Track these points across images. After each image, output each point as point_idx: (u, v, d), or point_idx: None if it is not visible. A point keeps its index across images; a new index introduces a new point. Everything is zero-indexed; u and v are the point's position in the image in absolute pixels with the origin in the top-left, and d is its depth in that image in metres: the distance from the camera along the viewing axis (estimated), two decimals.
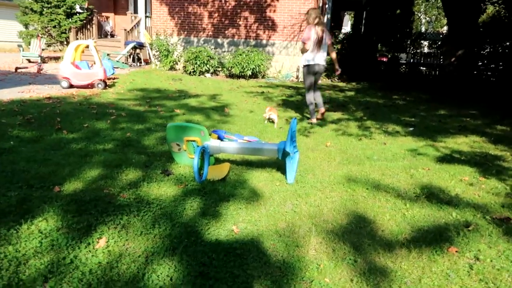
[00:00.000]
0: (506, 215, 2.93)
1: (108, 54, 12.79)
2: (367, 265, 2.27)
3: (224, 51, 14.21)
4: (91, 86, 9.17)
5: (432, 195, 3.33)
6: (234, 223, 2.73)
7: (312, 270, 2.21)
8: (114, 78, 11.14)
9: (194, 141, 3.68)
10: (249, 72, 13.07)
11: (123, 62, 14.19)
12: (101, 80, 9.12)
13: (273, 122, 6.25)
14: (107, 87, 9.36)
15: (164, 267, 2.16)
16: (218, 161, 4.06)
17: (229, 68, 13.45)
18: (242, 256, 2.32)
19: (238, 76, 13.50)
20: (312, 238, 2.57)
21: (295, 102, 8.77)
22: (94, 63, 9.57)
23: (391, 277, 2.16)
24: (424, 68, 17.78)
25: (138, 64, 14.87)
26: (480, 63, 14.25)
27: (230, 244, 2.43)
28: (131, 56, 14.81)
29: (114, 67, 11.41)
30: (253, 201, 3.11)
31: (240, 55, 13.21)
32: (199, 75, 13.62)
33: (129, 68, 13.88)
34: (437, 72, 16.48)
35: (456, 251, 2.42)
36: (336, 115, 7.50)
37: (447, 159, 4.50)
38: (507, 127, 6.50)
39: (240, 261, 2.26)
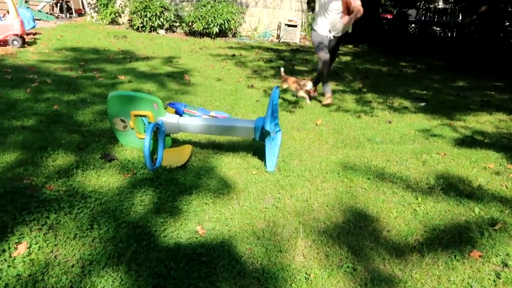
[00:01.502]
0: None
1: (26, 1, 12.32)
2: (369, 274, 2.30)
3: (183, 1, 13.94)
4: (3, 43, 8.85)
5: (450, 187, 3.40)
6: (198, 223, 2.70)
7: (299, 282, 2.22)
8: (35, 33, 10.78)
9: (144, 116, 3.60)
10: (216, 29, 12.92)
11: (47, 13, 13.72)
12: (17, 35, 8.81)
13: (304, 97, 6.12)
14: (25, 45, 9.05)
15: (107, 279, 2.11)
16: (176, 143, 3.99)
17: (190, 23, 13.24)
18: (209, 264, 2.30)
19: (201, 34, 13.32)
20: (299, 241, 2.57)
21: (275, 69, 8.74)
22: (8, 13, 9.21)
23: None
24: (438, 28, 18.09)
25: (68, 15, 14.42)
26: (507, 23, 14.61)
27: (194, 249, 2.40)
28: (59, 4, 14.33)
29: (35, 19, 11.04)
30: (222, 194, 3.09)
31: (204, 6, 13.01)
32: (150, 32, 13.36)
33: (55, 20, 13.44)
34: (455, 33, 16.80)
35: (480, 256, 2.48)
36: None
37: (468, 142, 4.60)
38: None
39: (207, 270, 2.24)
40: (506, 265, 2.42)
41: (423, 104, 6.54)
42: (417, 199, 3.16)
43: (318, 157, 3.93)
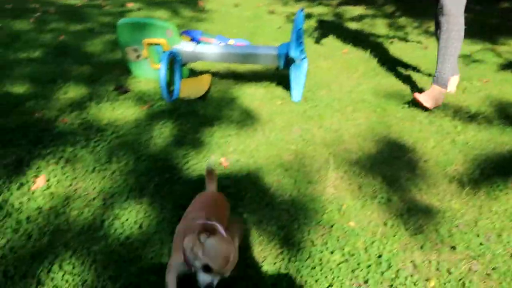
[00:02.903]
0: None
1: None
2: (405, 204, 2.33)
3: None
4: None
5: (492, 115, 3.37)
6: (222, 155, 2.75)
7: (331, 213, 2.27)
8: None
9: (158, 44, 3.58)
10: None
11: None
12: None
13: None
14: None
15: (130, 212, 2.19)
16: (193, 73, 3.99)
17: None
18: (236, 196, 2.35)
19: None
20: (330, 172, 2.61)
21: None
22: None
23: (438, 219, 2.23)
24: None
25: None
26: None
27: (219, 182, 2.45)
28: None
29: None
30: (246, 125, 3.11)
31: None
32: None
33: None
34: None
35: None
36: (357, 9, 7.34)
37: None
38: None
39: (234, 202, 2.30)
40: None
41: None
42: (456, 128, 3.15)
43: (348, 86, 3.90)
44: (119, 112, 3.21)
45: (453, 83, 3.83)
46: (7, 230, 2.04)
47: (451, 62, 3.40)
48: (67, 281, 1.79)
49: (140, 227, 2.11)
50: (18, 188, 2.33)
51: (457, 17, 3.35)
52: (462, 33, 3.39)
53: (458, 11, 3.35)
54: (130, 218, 2.15)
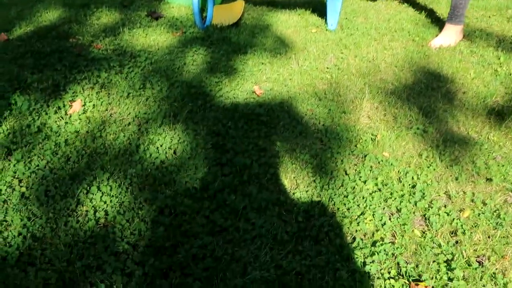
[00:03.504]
0: None
1: None
2: (441, 136, 2.29)
3: None
4: None
5: None
6: (255, 83, 2.72)
7: (365, 143, 2.25)
8: None
9: None
10: None
11: None
12: None
13: None
14: None
15: (165, 137, 2.21)
16: None
17: None
18: (268, 124, 2.35)
19: None
20: (365, 102, 2.57)
21: None
22: None
23: (474, 151, 2.19)
24: None
25: None
26: None
27: (252, 109, 2.45)
28: None
29: None
30: (280, 54, 3.06)
31: None
32: None
33: None
34: None
35: None
36: None
37: None
38: None
39: (266, 130, 2.30)
40: None
41: None
42: (499, 59, 3.02)
43: (386, 14, 3.76)
44: (152, 38, 3.18)
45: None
46: (46, 152, 2.09)
47: None
48: (105, 202, 1.84)
49: (175, 152, 2.14)
50: (56, 112, 2.37)
51: None
52: None
53: None
54: (165, 143, 2.18)
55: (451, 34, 3.22)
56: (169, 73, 2.78)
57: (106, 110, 2.42)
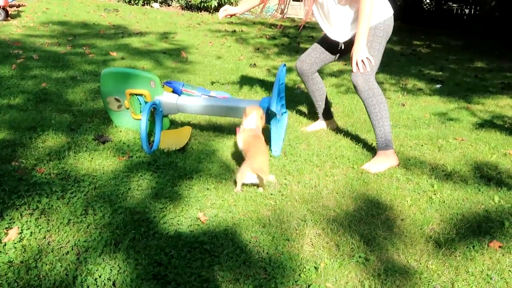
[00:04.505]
0: None
1: None
2: (382, 264, 2.33)
3: None
4: None
5: (467, 174, 3.42)
6: (200, 209, 2.73)
7: (308, 272, 2.24)
8: (18, 6, 10.71)
9: (140, 95, 3.60)
10: (215, 3, 12.85)
11: None
12: None
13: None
14: (8, 18, 9.00)
15: (104, 267, 2.14)
16: (174, 124, 4.00)
17: None
18: (212, 253, 2.32)
19: (199, 8, 13.25)
20: (308, 229, 2.60)
21: (279, 46, 8.71)
22: None
23: (414, 280, 2.22)
24: (455, 5, 17.99)
25: None
26: None
27: (196, 237, 2.43)
28: None
29: None
30: (225, 179, 3.11)
31: None
32: (144, 5, 13.28)
33: None
34: (473, 10, 16.71)
35: (500, 247, 2.51)
36: (336, 65, 7.52)
37: (487, 126, 4.62)
38: None
39: (210, 259, 2.27)
40: None
41: (438, 86, 6.54)
42: (433, 186, 3.19)
43: (327, 141, 3.95)
44: (97, 162, 3.18)
45: (319, 125, 4.26)
46: None
47: (380, 126, 3.47)
48: None
49: (114, 284, 2.06)
50: None
51: (366, 90, 3.44)
52: (376, 99, 3.44)
53: (366, 85, 3.43)
54: (104, 274, 2.10)
55: (381, 160, 3.42)
56: (113, 198, 2.75)
57: (44, 238, 2.34)
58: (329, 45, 3.86)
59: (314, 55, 3.94)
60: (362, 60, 3.40)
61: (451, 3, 18.01)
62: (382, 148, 3.46)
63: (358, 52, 3.40)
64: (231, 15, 4.01)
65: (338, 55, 3.97)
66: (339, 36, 3.65)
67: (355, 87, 3.48)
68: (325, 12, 3.57)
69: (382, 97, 3.45)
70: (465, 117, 4.95)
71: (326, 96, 4.20)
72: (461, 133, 4.33)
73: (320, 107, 4.21)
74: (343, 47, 3.74)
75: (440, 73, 7.48)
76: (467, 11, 17.35)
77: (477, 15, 14.40)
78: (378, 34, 3.50)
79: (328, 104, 4.26)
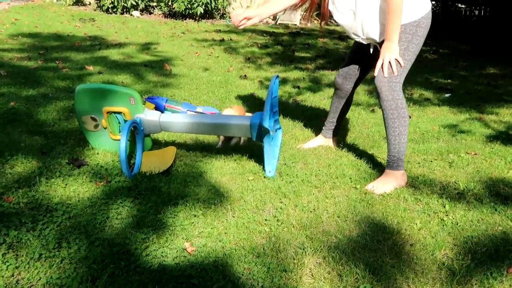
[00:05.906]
0: None
1: None
2: None
3: None
4: None
5: (482, 192, 3.42)
6: (186, 239, 2.70)
7: None
8: None
9: (119, 113, 3.60)
10: (201, 9, 12.93)
11: None
12: None
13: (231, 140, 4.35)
14: None
15: None
16: (157, 144, 3.99)
17: (169, 3, 13.24)
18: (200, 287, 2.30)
19: (184, 15, 13.32)
20: (307, 258, 2.58)
21: (272, 55, 8.76)
22: None
23: None
24: (463, 6, 18.17)
25: None
26: None
27: (182, 271, 2.41)
28: None
29: None
30: (214, 204, 3.09)
31: None
32: (122, 13, 13.35)
33: (8, 1, 13.39)
34: (483, 11, 16.88)
35: None
36: (334, 74, 7.52)
37: (502, 138, 4.63)
38: None
39: None
40: None
41: (447, 95, 6.57)
42: (444, 207, 3.18)
43: (326, 159, 3.95)
44: (72, 189, 3.16)
45: (317, 141, 4.28)
46: None
47: (395, 143, 3.40)
48: None
49: None
50: None
51: (389, 100, 3.30)
52: (398, 113, 3.32)
53: (390, 94, 3.28)
54: None
55: (389, 181, 3.41)
56: (89, 229, 2.73)
57: (12, 275, 2.31)
58: (362, 54, 3.74)
59: (354, 71, 3.88)
60: (389, 62, 3.22)
61: (459, 4, 18.20)
62: (392, 167, 3.45)
63: (391, 51, 3.21)
64: (253, 22, 3.60)
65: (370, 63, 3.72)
66: (372, 33, 3.38)
67: (377, 93, 3.35)
68: (354, 8, 3.31)
69: (405, 111, 3.34)
70: (478, 129, 4.96)
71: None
72: (474, 147, 4.34)
73: (333, 124, 4.21)
74: (374, 49, 3.56)
75: (449, 80, 7.52)
76: (476, 12, 17.52)
77: (487, 17, 14.55)
78: (419, 32, 3.29)
79: (342, 122, 4.30)
